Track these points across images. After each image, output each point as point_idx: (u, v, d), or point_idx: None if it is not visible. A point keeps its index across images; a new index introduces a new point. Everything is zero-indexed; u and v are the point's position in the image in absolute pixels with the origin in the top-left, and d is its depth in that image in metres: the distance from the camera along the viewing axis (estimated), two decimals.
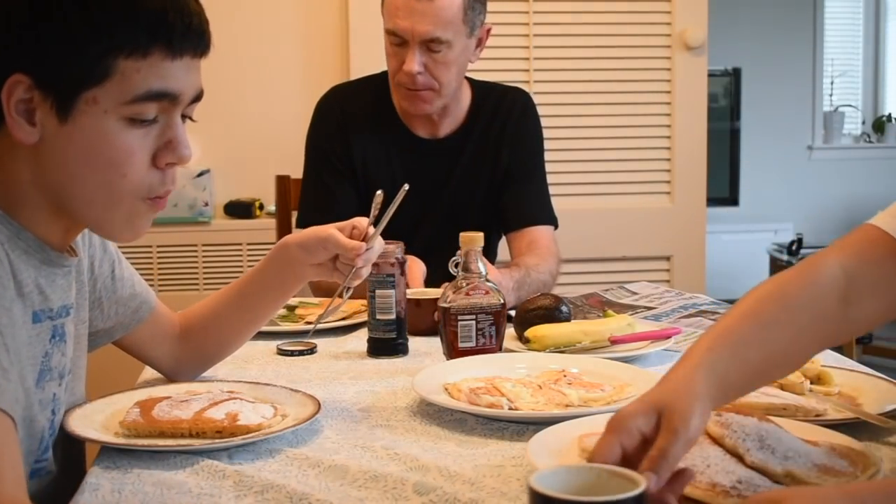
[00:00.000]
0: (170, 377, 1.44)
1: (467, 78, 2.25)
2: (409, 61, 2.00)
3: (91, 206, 1.08)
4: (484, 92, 2.24)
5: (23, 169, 1.07)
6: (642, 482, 0.78)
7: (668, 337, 1.63)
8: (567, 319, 1.66)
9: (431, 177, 2.15)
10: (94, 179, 1.06)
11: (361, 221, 1.39)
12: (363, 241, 1.37)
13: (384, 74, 2.17)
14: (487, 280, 1.53)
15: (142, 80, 1.04)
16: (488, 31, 2.12)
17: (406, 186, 1.40)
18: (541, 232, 2.19)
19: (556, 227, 2.26)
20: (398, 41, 2.02)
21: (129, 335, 1.37)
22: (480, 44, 2.11)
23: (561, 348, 1.56)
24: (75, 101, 1.03)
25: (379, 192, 1.43)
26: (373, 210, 1.42)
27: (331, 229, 1.37)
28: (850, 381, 1.35)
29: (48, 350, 1.12)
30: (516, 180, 2.21)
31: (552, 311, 1.65)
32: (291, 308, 1.90)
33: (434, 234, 2.08)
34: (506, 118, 2.22)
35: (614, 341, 1.58)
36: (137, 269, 1.40)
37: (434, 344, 1.60)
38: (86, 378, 1.27)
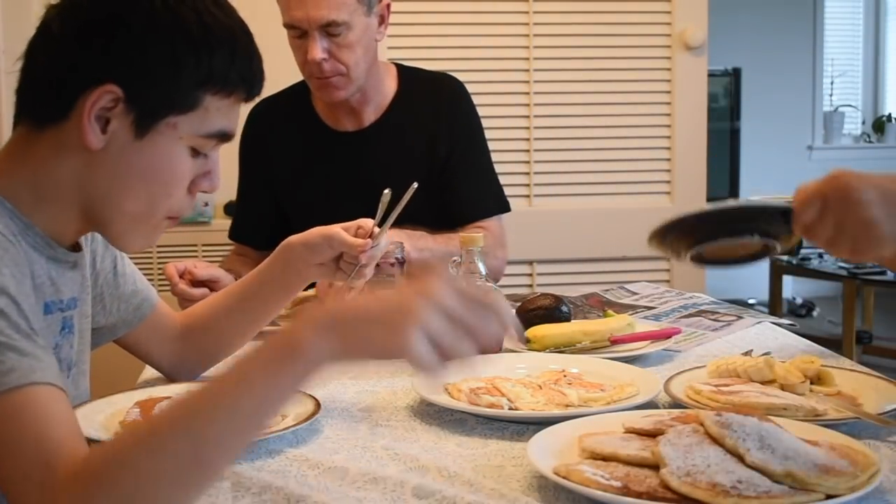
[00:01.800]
0: (170, 377, 1.44)
1: (396, 64, 2.24)
2: (311, 50, 1.98)
3: (124, 216, 1.10)
4: (410, 77, 2.21)
5: (67, 169, 1.07)
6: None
7: (668, 337, 1.63)
8: (567, 319, 1.66)
9: (360, 168, 2.12)
10: (144, 194, 1.08)
11: (367, 222, 1.39)
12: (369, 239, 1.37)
13: (303, 82, 2.15)
14: (487, 280, 1.53)
15: (220, 117, 1.08)
16: (388, 6, 2.08)
17: (415, 185, 1.39)
18: (489, 223, 2.18)
19: (507, 210, 2.24)
20: (298, 33, 2.01)
21: (132, 333, 1.37)
22: (384, 21, 2.08)
23: (561, 348, 1.56)
24: (157, 122, 1.05)
25: (386, 190, 1.42)
26: (379, 209, 1.41)
27: (336, 228, 1.37)
28: (850, 381, 1.35)
29: (58, 341, 1.13)
30: (459, 172, 2.17)
31: (552, 311, 1.65)
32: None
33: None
34: (437, 106, 2.18)
35: (614, 341, 1.58)
36: (138, 268, 1.40)
37: None
38: (90, 374, 1.28)
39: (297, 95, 2.21)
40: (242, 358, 0.90)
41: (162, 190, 1.09)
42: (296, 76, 2.14)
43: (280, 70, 2.23)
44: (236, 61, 1.08)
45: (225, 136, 1.11)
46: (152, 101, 1.05)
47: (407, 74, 2.22)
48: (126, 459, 0.86)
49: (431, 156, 2.16)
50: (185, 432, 0.87)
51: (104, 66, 1.03)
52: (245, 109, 2.26)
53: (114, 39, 1.04)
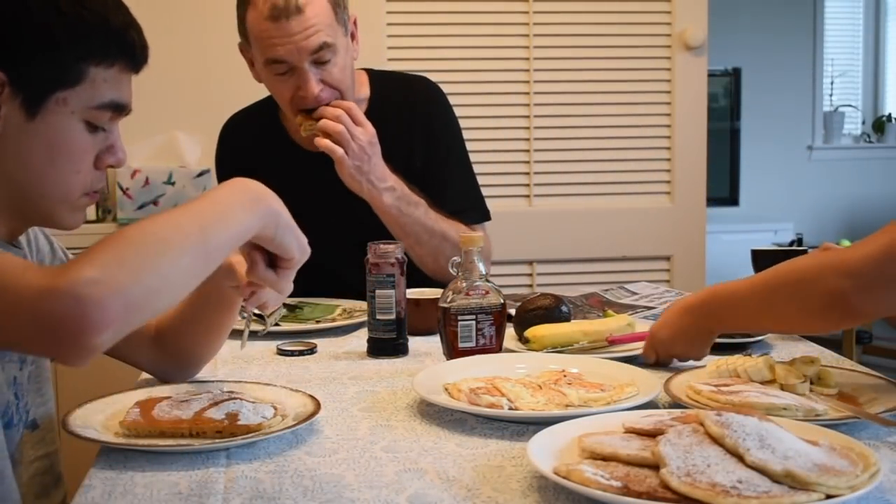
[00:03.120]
0: (160, 378, 1.43)
1: (366, 70, 2.17)
2: (306, 85, 1.89)
3: (44, 198, 1.15)
4: (382, 82, 2.14)
5: None
6: None
7: None
8: (567, 319, 1.66)
9: (336, 184, 1.95)
10: (52, 173, 1.13)
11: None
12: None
13: (270, 98, 2.06)
14: (487, 280, 1.53)
15: (107, 88, 1.12)
16: (355, 21, 2.02)
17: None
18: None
19: (488, 219, 2.16)
20: (283, 69, 1.90)
21: None
22: (354, 38, 2.01)
23: (560, 348, 1.56)
24: (46, 100, 1.09)
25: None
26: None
27: (235, 258, 1.24)
28: (850, 381, 1.35)
29: None
30: (436, 179, 2.09)
31: (552, 311, 1.65)
32: (292, 308, 1.90)
33: (352, 240, 1.80)
34: (410, 113, 2.11)
35: (612, 341, 1.58)
36: None
37: (434, 344, 1.60)
38: (54, 383, 1.29)
39: (265, 113, 2.14)
40: (213, 198, 1.03)
41: (68, 167, 1.13)
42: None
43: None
44: (111, 33, 1.11)
45: (118, 108, 1.14)
46: (37, 80, 1.08)
47: (378, 79, 2.15)
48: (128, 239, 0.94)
49: (408, 165, 2.06)
50: (194, 235, 0.97)
51: None
52: (217, 127, 2.23)
53: None
